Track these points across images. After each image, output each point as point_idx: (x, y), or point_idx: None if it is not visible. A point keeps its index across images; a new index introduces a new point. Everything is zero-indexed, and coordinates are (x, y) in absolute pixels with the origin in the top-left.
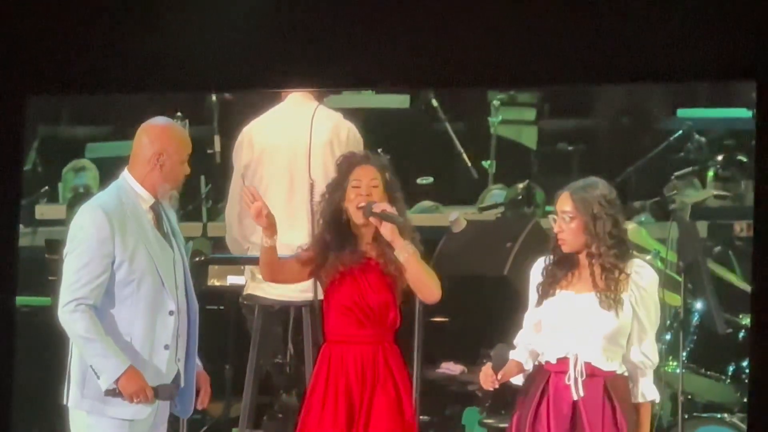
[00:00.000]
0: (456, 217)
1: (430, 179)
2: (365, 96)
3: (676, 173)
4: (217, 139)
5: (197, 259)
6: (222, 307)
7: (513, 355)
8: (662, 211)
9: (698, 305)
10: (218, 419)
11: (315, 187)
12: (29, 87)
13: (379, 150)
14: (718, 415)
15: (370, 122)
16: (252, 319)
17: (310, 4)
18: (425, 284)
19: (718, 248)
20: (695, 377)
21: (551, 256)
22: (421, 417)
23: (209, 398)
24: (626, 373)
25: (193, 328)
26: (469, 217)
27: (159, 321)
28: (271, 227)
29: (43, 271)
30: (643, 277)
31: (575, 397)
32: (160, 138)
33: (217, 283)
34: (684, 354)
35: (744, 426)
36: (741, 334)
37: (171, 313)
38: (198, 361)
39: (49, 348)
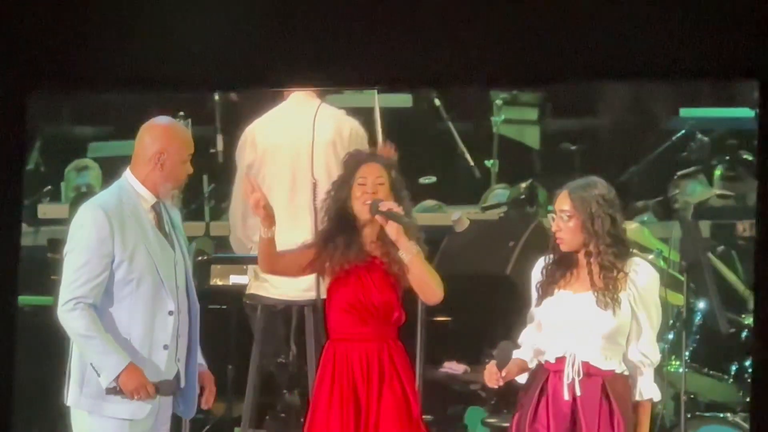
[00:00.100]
0: (459, 217)
1: (433, 179)
2: (367, 95)
3: (679, 173)
4: (219, 139)
5: (200, 258)
6: (224, 307)
7: (518, 353)
8: (665, 211)
9: (701, 305)
10: (221, 419)
11: (318, 187)
12: (31, 85)
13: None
14: (721, 415)
15: (372, 121)
16: (255, 318)
17: (313, 2)
18: (428, 285)
19: (721, 248)
20: (698, 376)
21: (551, 255)
22: (423, 416)
23: (214, 398)
24: (626, 373)
25: (194, 328)
26: (471, 216)
27: (158, 321)
28: (269, 218)
29: (46, 270)
30: (641, 276)
31: (566, 397)
32: (161, 137)
33: (219, 283)
34: (687, 353)
35: (746, 425)
36: (744, 334)
37: (170, 313)
38: (202, 361)
39: (51, 348)
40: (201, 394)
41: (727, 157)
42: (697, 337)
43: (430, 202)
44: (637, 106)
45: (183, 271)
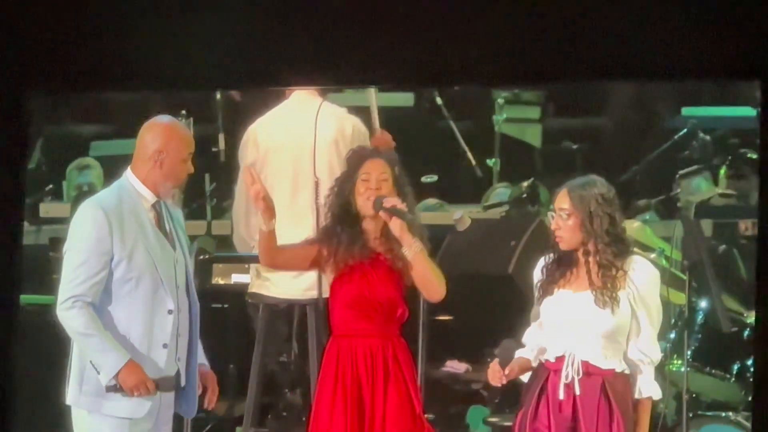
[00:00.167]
0: (460, 216)
1: (435, 177)
2: (369, 94)
3: (681, 171)
4: (221, 138)
5: (201, 257)
6: (226, 306)
7: (521, 352)
8: (667, 210)
9: (703, 304)
10: (222, 418)
11: (320, 186)
12: (32, 84)
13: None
14: (723, 414)
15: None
16: (256, 317)
17: (315, 1)
18: (431, 282)
19: (722, 247)
20: (700, 376)
21: (551, 254)
22: (425, 415)
23: (217, 397)
24: (627, 372)
25: (194, 327)
26: (473, 215)
27: (157, 320)
28: (269, 210)
29: (48, 269)
30: (641, 275)
31: (561, 397)
32: (161, 136)
33: (221, 282)
34: (689, 352)
35: (748, 424)
36: (746, 333)
37: (170, 312)
38: (205, 361)
39: (53, 347)
40: (203, 394)
41: (729, 156)
42: (699, 336)
43: (431, 201)
44: (639, 105)
45: (183, 271)
